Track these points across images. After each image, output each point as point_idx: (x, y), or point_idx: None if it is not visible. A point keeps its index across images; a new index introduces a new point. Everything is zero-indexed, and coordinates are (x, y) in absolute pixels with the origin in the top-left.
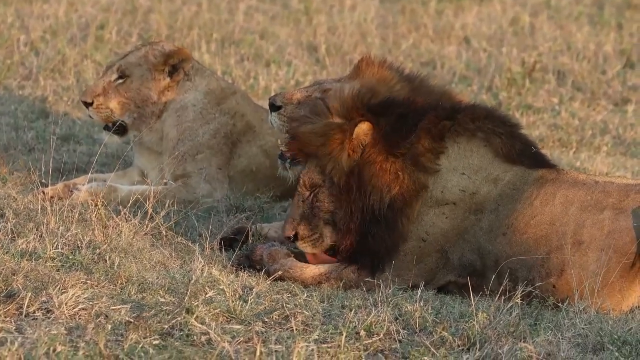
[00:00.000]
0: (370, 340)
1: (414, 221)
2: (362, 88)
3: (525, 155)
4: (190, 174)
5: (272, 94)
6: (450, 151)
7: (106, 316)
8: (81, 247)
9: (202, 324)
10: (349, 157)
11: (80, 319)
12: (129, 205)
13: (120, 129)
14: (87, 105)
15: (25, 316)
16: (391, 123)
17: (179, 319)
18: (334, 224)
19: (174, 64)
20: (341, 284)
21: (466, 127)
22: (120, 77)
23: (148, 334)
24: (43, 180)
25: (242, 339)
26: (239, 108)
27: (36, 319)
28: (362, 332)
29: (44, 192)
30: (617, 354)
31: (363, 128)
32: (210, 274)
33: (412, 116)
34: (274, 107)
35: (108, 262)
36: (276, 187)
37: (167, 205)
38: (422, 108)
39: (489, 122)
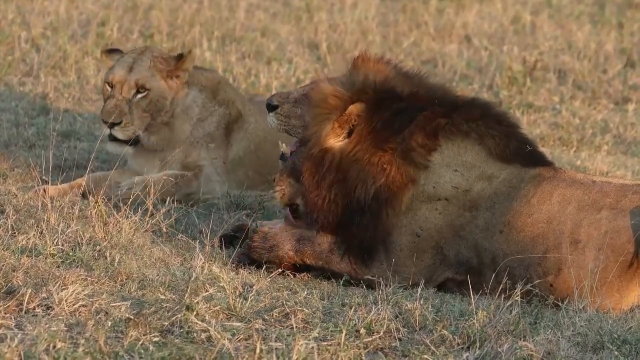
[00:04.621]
0: (370, 339)
1: (400, 214)
2: (376, 77)
3: (520, 154)
4: (202, 165)
5: (273, 91)
6: (444, 148)
7: (106, 313)
8: (81, 243)
9: (202, 321)
10: (332, 129)
11: (80, 315)
12: (132, 196)
13: (135, 140)
14: (114, 125)
15: (25, 312)
16: (384, 118)
17: (179, 316)
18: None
19: (186, 69)
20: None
21: (460, 128)
22: (138, 92)
23: (148, 331)
24: (44, 177)
25: (242, 336)
26: (229, 96)
27: (36, 315)
28: (362, 330)
29: (44, 190)
30: (616, 352)
31: (358, 107)
32: (211, 271)
33: (409, 112)
34: (270, 107)
35: (108, 258)
36: (262, 175)
37: (167, 202)
38: (420, 105)
39: (483, 124)
